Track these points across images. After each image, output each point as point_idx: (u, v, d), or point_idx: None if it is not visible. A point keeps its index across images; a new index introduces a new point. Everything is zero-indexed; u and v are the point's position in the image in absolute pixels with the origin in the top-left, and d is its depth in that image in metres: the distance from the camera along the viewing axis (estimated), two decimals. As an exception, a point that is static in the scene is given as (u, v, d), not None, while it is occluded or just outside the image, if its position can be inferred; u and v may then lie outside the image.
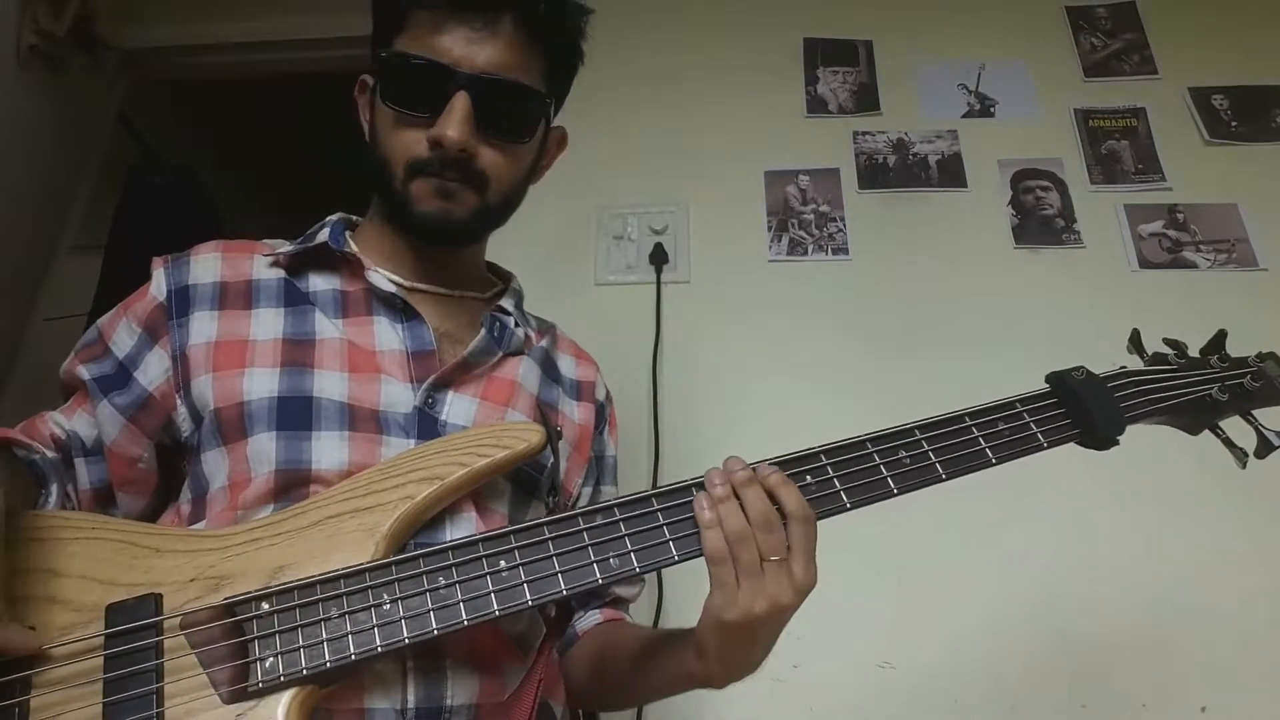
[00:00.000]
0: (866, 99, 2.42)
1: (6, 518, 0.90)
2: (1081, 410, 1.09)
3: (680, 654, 1.06)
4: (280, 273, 1.20)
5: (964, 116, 2.38)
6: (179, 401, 1.11)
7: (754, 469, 1.01)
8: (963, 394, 1.90)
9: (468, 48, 1.14)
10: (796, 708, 1.76)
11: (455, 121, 1.12)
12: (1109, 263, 2.15)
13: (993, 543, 1.84)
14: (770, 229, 2.27)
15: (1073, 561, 1.83)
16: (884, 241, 2.23)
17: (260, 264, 1.21)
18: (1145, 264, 2.13)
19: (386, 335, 1.17)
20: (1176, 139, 2.28)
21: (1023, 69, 2.42)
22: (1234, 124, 2.28)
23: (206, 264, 1.19)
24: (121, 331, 1.16)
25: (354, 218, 1.32)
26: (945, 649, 1.79)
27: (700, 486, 1.00)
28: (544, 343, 1.34)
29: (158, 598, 0.90)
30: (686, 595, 1.78)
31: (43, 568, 0.91)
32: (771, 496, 0.98)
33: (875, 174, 2.31)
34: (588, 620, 1.30)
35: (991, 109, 2.38)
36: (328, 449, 1.06)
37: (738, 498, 0.98)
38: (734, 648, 1.00)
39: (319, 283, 1.21)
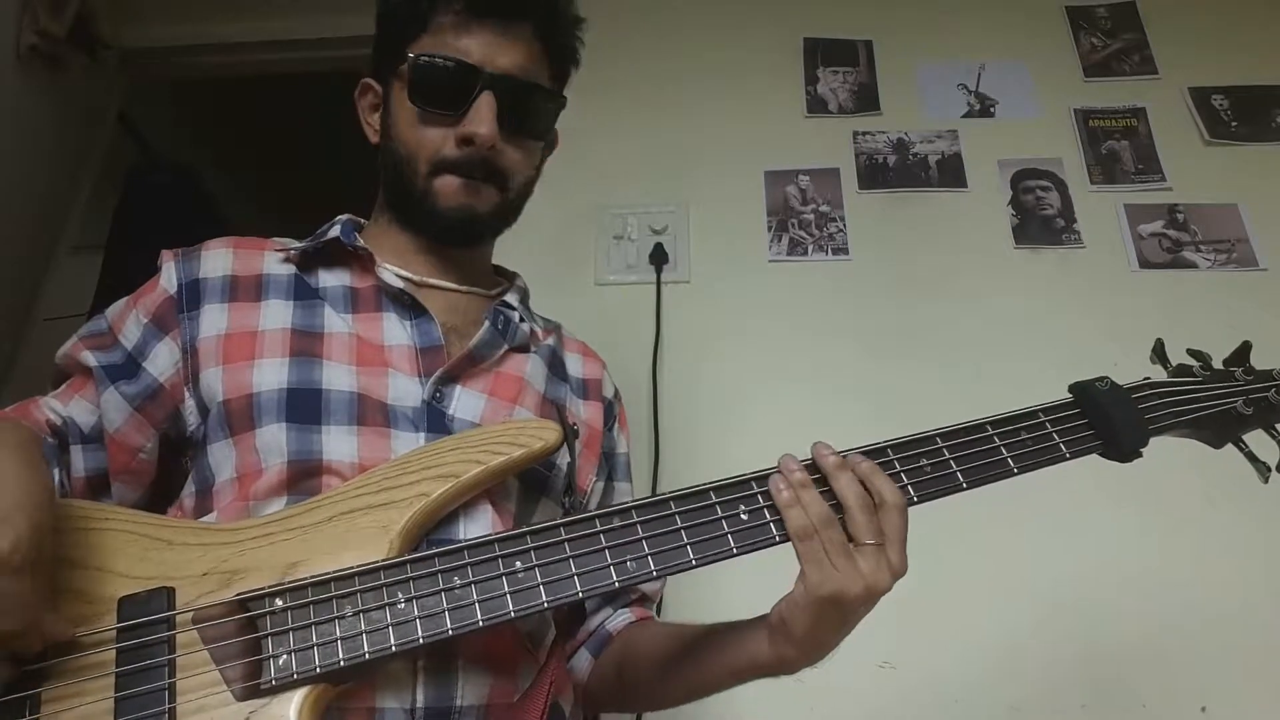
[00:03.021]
0: (866, 99, 2.42)
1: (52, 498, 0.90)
2: (1105, 421, 1.09)
3: (747, 642, 1.05)
4: (291, 268, 1.21)
5: (964, 116, 2.38)
6: (187, 394, 1.12)
7: (844, 456, 1.01)
8: (963, 394, 1.92)
9: (490, 49, 1.19)
10: (797, 708, 1.76)
11: (485, 119, 1.17)
12: (1109, 263, 2.15)
13: (994, 543, 1.85)
14: (770, 229, 2.27)
15: (1073, 562, 1.83)
16: (884, 241, 2.23)
17: (271, 260, 1.22)
18: (1145, 264, 2.14)
19: (395, 331, 1.18)
20: (1176, 139, 2.29)
21: (1023, 69, 2.42)
22: (1234, 124, 2.28)
23: (217, 258, 1.20)
24: (131, 323, 1.16)
25: (360, 220, 1.33)
26: (946, 649, 1.79)
27: (716, 491, 1.00)
28: (550, 340, 1.35)
29: (170, 591, 0.90)
30: (685, 595, 1.78)
31: (59, 558, 0.90)
32: (863, 484, 0.99)
33: (875, 174, 2.32)
34: (619, 620, 1.29)
35: (991, 109, 2.38)
36: (337, 441, 1.06)
37: (825, 482, 0.99)
38: (824, 628, 0.99)
39: (329, 279, 1.22)
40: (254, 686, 0.86)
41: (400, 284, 1.21)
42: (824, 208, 2.28)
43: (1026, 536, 1.85)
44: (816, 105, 2.42)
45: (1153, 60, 2.40)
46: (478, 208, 1.21)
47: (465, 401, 1.15)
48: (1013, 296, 2.13)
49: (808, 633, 0.99)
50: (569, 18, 1.29)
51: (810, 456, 1.02)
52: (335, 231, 1.24)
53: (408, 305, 1.20)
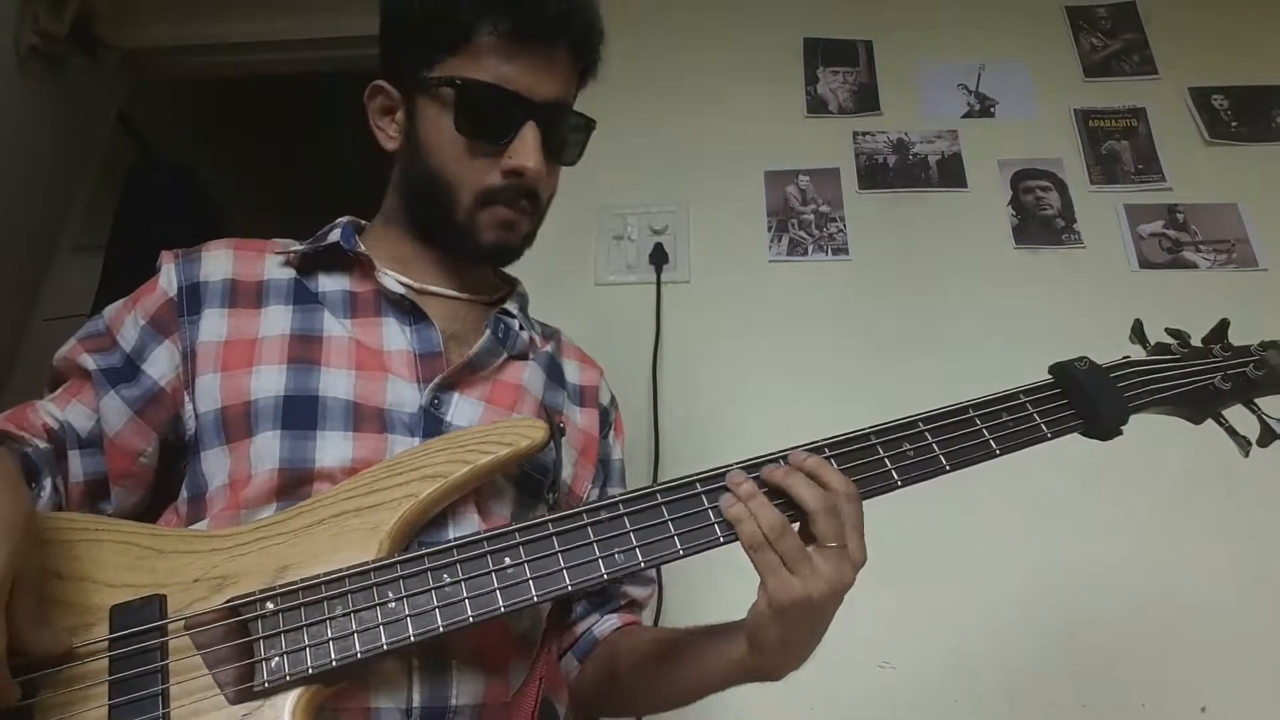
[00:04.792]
0: (866, 99, 2.42)
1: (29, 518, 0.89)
2: (1085, 400, 1.10)
3: (729, 648, 1.05)
4: (291, 272, 1.21)
5: (964, 116, 2.38)
6: (186, 398, 1.11)
7: (786, 460, 1.02)
8: (962, 394, 1.90)
9: (534, 76, 1.15)
10: (796, 707, 1.76)
11: (533, 152, 1.15)
12: (1109, 263, 2.15)
13: (993, 543, 1.85)
14: (770, 229, 2.27)
15: (1073, 561, 1.83)
16: (884, 241, 2.23)
17: (272, 263, 1.21)
18: (1145, 264, 2.13)
19: (394, 336, 1.18)
20: (1176, 139, 2.28)
21: (1023, 69, 2.42)
22: (1234, 124, 2.28)
23: (218, 260, 1.20)
24: (129, 325, 1.15)
25: (362, 221, 1.32)
26: (945, 649, 1.79)
27: (702, 482, 1.01)
28: (549, 348, 1.35)
29: (162, 599, 0.90)
30: (685, 596, 1.78)
31: (48, 569, 0.90)
32: (814, 479, 0.99)
33: (875, 174, 2.32)
34: (605, 625, 1.29)
35: (991, 109, 2.38)
36: (331, 447, 1.06)
37: (782, 490, 0.99)
38: (795, 632, 0.99)
39: (328, 283, 1.21)
40: (247, 689, 0.86)
41: (400, 290, 1.20)
42: (824, 208, 2.28)
43: (1027, 538, 1.85)
44: (816, 105, 2.42)
45: (1153, 60, 2.40)
46: (512, 241, 1.21)
47: (463, 408, 1.15)
48: (1013, 296, 2.13)
49: (780, 640, 0.99)
50: (600, 35, 1.27)
51: (787, 452, 1.03)
52: (335, 235, 1.23)
53: (408, 311, 1.20)
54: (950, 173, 2.30)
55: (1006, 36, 2.48)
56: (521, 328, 1.28)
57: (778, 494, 1.00)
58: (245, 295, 1.17)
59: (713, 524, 0.98)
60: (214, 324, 1.14)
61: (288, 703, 0.86)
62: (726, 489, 1.00)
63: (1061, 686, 1.76)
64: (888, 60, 2.47)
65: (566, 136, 1.23)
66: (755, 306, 2.18)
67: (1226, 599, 1.78)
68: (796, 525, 0.98)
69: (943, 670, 1.78)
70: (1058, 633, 1.79)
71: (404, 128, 1.23)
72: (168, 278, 1.17)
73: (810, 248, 2.24)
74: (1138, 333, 1.23)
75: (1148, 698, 1.73)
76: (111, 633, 0.88)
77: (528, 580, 0.93)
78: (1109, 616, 1.80)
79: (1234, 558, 1.82)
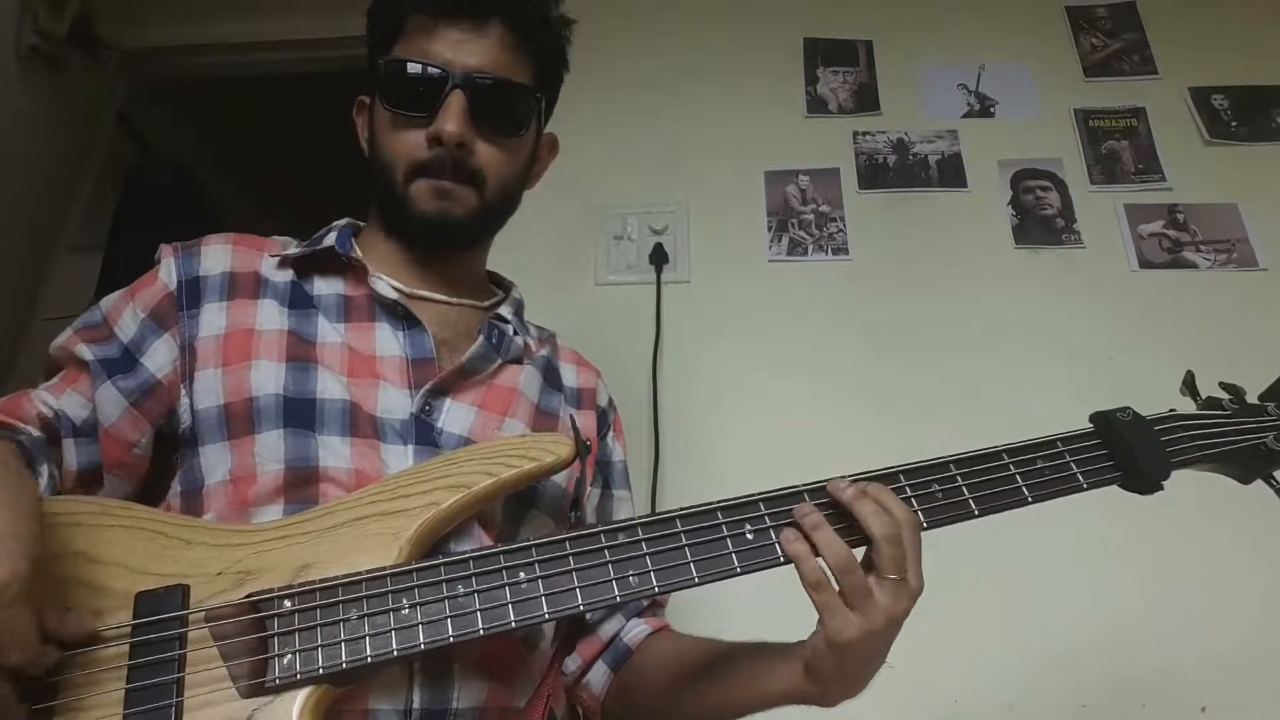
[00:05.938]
0: (866, 99, 2.42)
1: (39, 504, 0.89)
2: (1125, 452, 1.07)
3: (785, 671, 1.03)
4: (289, 274, 1.21)
5: (964, 116, 2.38)
6: (183, 391, 1.11)
7: (854, 483, 1.00)
8: (962, 394, 1.92)
9: (459, 49, 1.19)
10: (796, 707, 1.76)
11: (452, 116, 1.16)
12: (1109, 263, 2.15)
13: (993, 544, 1.83)
14: (770, 229, 2.27)
15: (1073, 562, 1.83)
16: (884, 241, 2.24)
17: (269, 264, 1.22)
18: (1145, 264, 2.14)
19: (387, 341, 1.18)
20: (1176, 139, 2.29)
21: (1023, 69, 2.43)
22: (1234, 124, 2.28)
23: (217, 254, 1.20)
24: (127, 317, 1.16)
25: (359, 223, 1.33)
26: (945, 649, 1.78)
27: (723, 511, 0.99)
28: (545, 351, 1.35)
29: (185, 589, 0.92)
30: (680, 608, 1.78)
31: (80, 552, 0.93)
32: (878, 504, 0.97)
33: (875, 174, 2.32)
34: (636, 631, 1.27)
35: (991, 109, 2.38)
36: (332, 450, 1.06)
37: (850, 514, 0.97)
38: (854, 664, 0.97)
39: (323, 286, 1.22)
40: (259, 685, 0.87)
41: (393, 295, 1.20)
42: (824, 208, 2.28)
43: (1025, 536, 1.84)
44: (816, 105, 2.43)
45: (1153, 60, 2.41)
46: (454, 211, 1.20)
47: (455, 414, 1.15)
48: (1013, 296, 2.14)
49: (839, 673, 0.98)
50: (542, 15, 1.27)
51: (821, 484, 1.01)
52: (331, 239, 1.23)
53: (401, 316, 1.20)
54: (950, 173, 2.30)
55: (1006, 36, 2.48)
56: (515, 332, 1.28)
57: (839, 516, 0.98)
58: (243, 286, 1.18)
59: (730, 553, 0.97)
60: (213, 318, 1.14)
61: (297, 701, 0.87)
62: (755, 517, 0.99)
63: (1060, 687, 1.76)
64: (888, 60, 2.48)
65: (502, 106, 1.23)
66: (755, 306, 2.19)
67: (1226, 599, 1.79)
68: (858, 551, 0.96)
69: (942, 671, 1.77)
70: (1057, 633, 1.79)
71: (369, 127, 1.28)
72: (167, 271, 1.18)
73: (810, 248, 2.24)
74: (1189, 385, 1.18)
75: (1148, 698, 1.74)
76: (135, 619, 0.90)
77: (540, 596, 0.93)
78: (1108, 616, 1.80)
79: (1233, 559, 1.82)
